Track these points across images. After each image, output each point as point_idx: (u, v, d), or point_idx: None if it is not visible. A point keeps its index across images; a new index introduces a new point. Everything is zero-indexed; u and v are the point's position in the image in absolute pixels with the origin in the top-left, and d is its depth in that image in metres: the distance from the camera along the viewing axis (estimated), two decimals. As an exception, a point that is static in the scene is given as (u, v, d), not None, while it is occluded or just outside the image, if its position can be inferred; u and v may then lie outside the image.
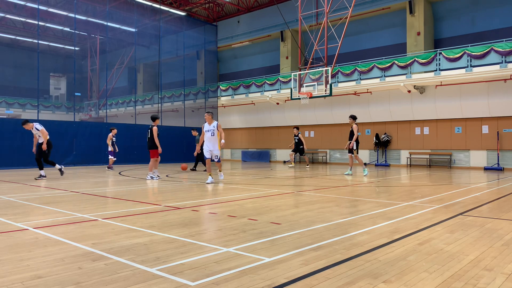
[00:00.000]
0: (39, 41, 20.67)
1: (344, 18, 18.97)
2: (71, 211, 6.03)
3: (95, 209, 6.33)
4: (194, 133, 17.65)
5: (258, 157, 27.18)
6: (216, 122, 10.77)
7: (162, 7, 25.10)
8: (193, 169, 16.71)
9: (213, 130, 10.70)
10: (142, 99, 31.17)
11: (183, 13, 26.98)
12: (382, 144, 21.59)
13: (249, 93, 26.00)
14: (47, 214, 5.88)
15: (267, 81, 25.01)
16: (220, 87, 27.89)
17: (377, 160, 21.83)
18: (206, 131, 10.76)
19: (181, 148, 24.23)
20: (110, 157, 17.04)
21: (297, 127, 19.57)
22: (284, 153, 26.00)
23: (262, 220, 5.32)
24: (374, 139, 21.71)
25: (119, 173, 15.00)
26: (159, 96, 25.69)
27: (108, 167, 16.99)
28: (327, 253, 3.69)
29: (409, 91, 20.05)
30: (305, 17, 20.92)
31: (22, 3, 24.90)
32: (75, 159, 18.99)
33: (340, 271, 3.15)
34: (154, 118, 12.28)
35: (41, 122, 18.58)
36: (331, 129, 23.88)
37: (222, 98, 27.78)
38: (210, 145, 10.72)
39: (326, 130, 24.14)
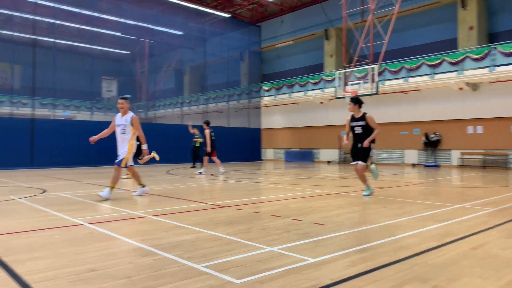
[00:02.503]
0: (93, 47, 21.76)
1: (390, 15, 18.43)
2: (122, 208, 6.31)
3: (144, 206, 6.58)
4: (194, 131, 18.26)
5: (301, 157, 27.00)
6: (133, 114, 7.64)
7: (207, 10, 25.58)
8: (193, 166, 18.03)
9: (125, 125, 7.53)
10: (189, 100, 31.94)
11: (227, 15, 27.35)
12: (431, 144, 20.75)
13: (292, 92, 25.89)
14: (100, 210, 6.19)
15: (310, 80, 24.80)
16: (263, 87, 28.00)
17: (426, 160, 21.01)
18: (116, 125, 7.64)
19: (226, 148, 24.59)
20: None
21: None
22: (328, 153, 25.65)
23: (306, 220, 5.29)
24: (423, 139, 20.91)
25: (167, 172, 15.47)
26: (205, 97, 26.22)
27: None
28: (373, 255, 3.61)
29: (460, 89, 19.13)
30: (350, 15, 20.53)
31: (77, 10, 26.31)
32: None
33: (387, 274, 3.08)
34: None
35: (95, 123, 19.60)
36: (377, 128, 23.24)
37: (265, 98, 27.88)
38: (119, 148, 7.62)
39: (372, 130, 23.51)
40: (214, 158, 14.19)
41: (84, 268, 3.21)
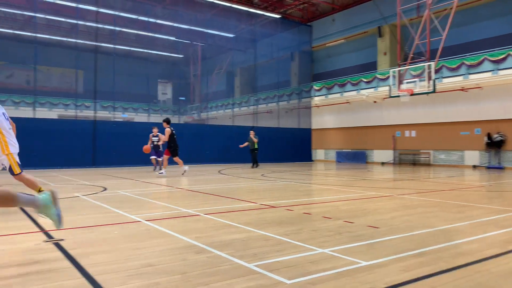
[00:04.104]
0: (149, 51, 22.74)
1: (449, 9, 17.55)
2: (176, 206, 6.53)
3: (197, 204, 6.77)
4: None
5: (353, 158, 26.42)
6: None
7: (257, 12, 25.80)
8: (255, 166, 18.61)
9: None
10: (239, 101, 32.41)
11: (277, 16, 27.40)
12: (495, 145, 19.48)
13: (344, 92, 25.42)
14: (156, 208, 6.45)
15: (363, 79, 24.22)
16: (314, 87, 27.74)
17: (489, 162, 19.76)
18: None
19: (275, 148, 24.64)
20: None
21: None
22: (382, 154, 24.90)
23: (359, 223, 5.18)
24: (486, 139, 19.69)
25: (219, 171, 15.79)
26: (255, 98, 26.47)
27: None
28: (430, 260, 3.47)
29: (528, 85, 17.81)
30: (405, 11, 19.79)
31: (135, 17, 27.59)
32: (179, 158, 20.50)
33: (445, 280, 2.95)
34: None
35: (152, 124, 20.41)
36: (434, 128, 22.24)
37: (316, 98, 27.60)
38: None
39: (429, 130, 22.53)
40: (176, 159, 13.36)
41: (141, 263, 3.37)
